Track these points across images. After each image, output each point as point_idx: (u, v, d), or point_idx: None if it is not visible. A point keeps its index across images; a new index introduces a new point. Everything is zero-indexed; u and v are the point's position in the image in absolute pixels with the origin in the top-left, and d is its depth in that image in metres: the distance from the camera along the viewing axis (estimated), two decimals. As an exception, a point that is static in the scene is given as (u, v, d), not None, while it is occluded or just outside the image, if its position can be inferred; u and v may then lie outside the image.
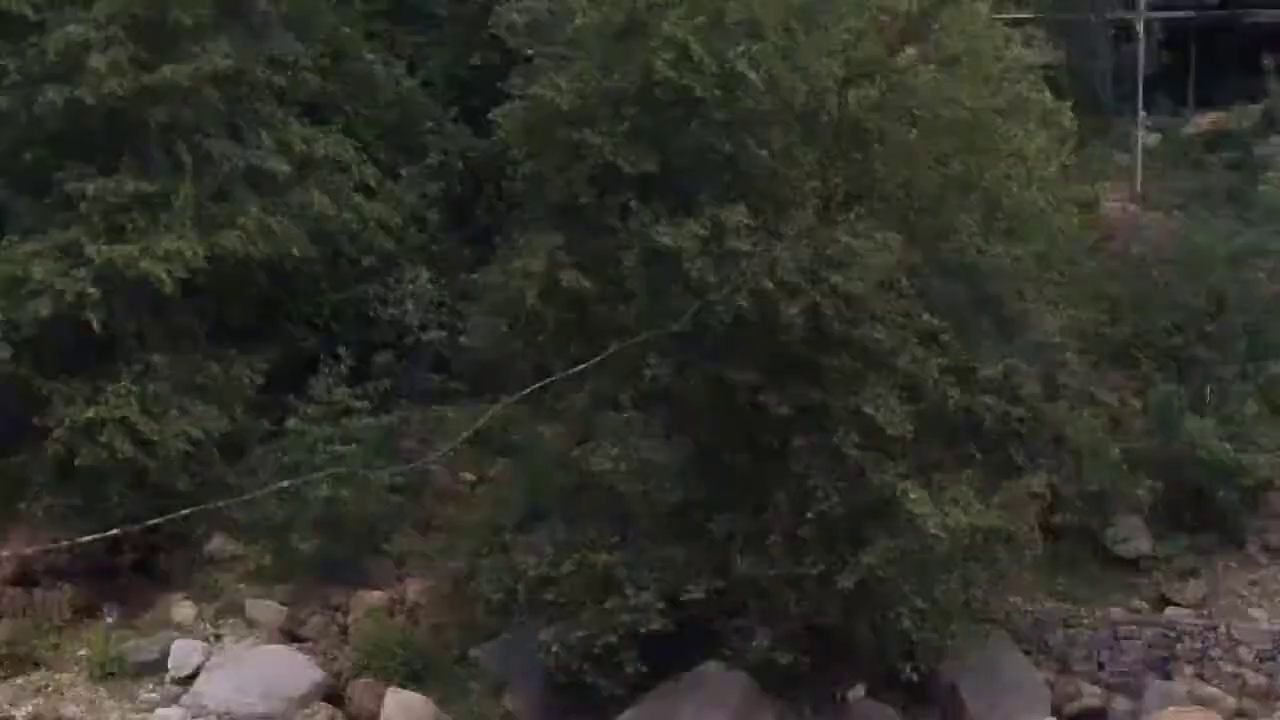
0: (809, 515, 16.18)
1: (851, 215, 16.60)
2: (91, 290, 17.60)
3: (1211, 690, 17.97)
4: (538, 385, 16.61)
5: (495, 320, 18.68)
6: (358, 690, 17.86)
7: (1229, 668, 18.45)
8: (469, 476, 20.31)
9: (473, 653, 18.10)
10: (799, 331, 16.16)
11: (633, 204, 16.61)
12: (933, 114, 16.98)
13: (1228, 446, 19.34)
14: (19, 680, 18.42)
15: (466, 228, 22.39)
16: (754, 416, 16.66)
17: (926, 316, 16.65)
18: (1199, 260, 21.39)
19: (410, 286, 20.61)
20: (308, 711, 17.68)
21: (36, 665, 18.61)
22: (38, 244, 18.15)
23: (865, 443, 16.14)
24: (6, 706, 17.86)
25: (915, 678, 16.88)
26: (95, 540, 15.94)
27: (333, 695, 18.01)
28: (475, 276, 20.08)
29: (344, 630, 18.85)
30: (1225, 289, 21.22)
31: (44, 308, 17.65)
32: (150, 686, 18.22)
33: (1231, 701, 17.73)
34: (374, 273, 20.77)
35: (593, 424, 17.22)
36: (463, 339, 19.84)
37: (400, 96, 22.49)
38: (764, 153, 17.01)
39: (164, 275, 17.67)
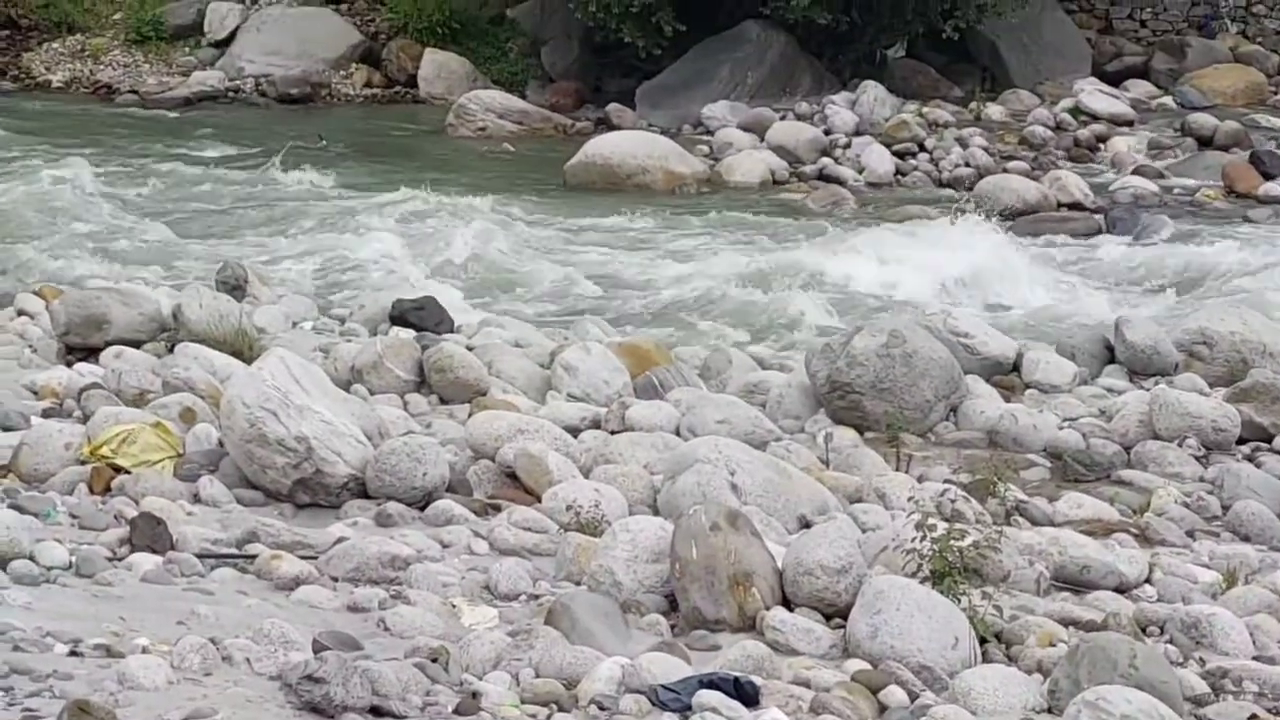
0: None
1: None
2: None
3: (1254, 49, 17.13)
4: None
5: None
6: (395, 51, 17.36)
7: (1274, 25, 17.51)
8: None
9: (510, 14, 17.40)
10: None
11: None
12: None
13: None
14: (55, 44, 17.85)
15: None
16: None
17: None
18: None
19: None
20: (345, 72, 17.24)
21: (72, 30, 17.97)
22: None
23: None
24: (43, 70, 17.43)
25: (955, 36, 16.12)
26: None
27: (370, 56, 17.52)
28: None
29: (381, -10, 18.05)
30: None
31: None
32: (187, 50, 17.65)
33: (1275, 59, 16.97)
34: None
35: None
36: None
37: None
38: None
39: None
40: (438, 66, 16.85)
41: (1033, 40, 16.89)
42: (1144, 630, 4.75)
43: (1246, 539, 5.93)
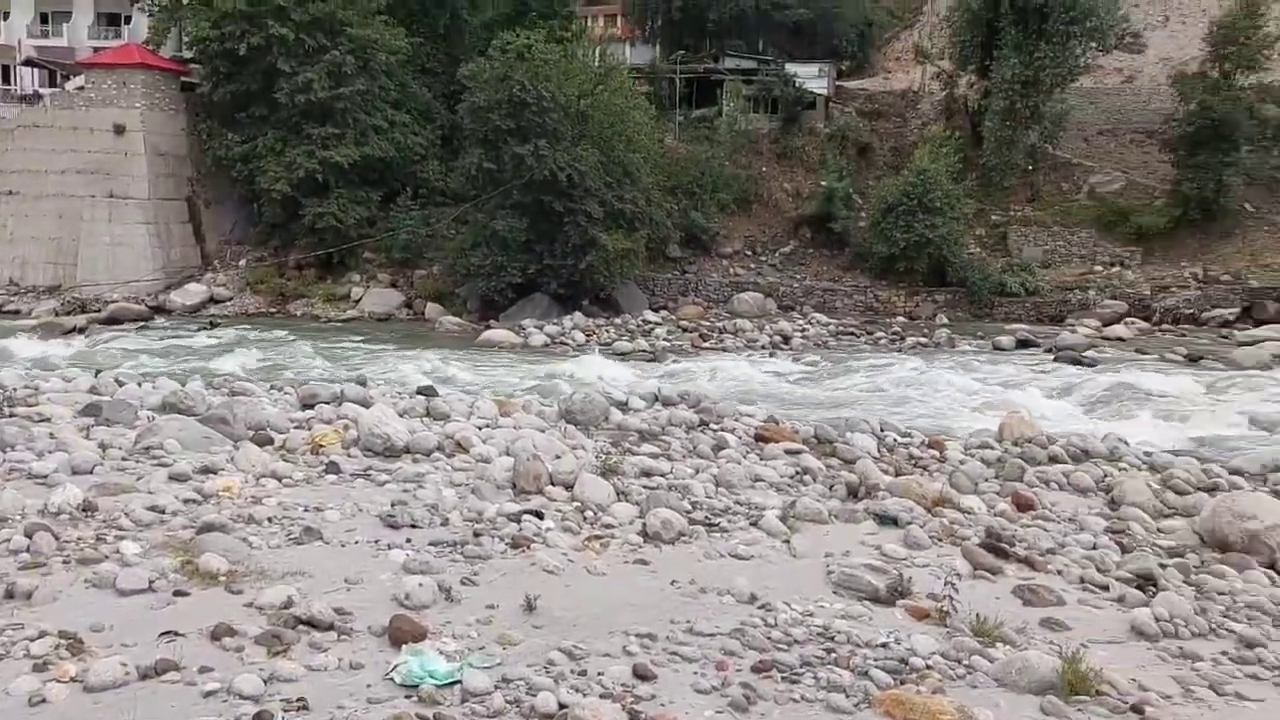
0: (569, 245, 39.80)
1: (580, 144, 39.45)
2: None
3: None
4: (473, 202, 40.07)
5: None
6: (420, 304, 42.08)
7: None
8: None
9: (457, 290, 41.27)
10: (564, 184, 39.25)
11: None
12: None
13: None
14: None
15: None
16: (551, 211, 39.94)
17: (603, 173, 39.74)
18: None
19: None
20: (411, 312, 42.29)
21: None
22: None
23: (586, 221, 39.65)
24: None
25: (604, 296, 41.12)
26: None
27: (410, 305, 42.48)
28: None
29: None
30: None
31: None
32: (346, 301, 42.45)
33: None
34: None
35: (495, 217, 40.42)
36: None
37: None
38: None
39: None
40: (436, 309, 41.28)
41: (629, 297, 42.56)
42: None
43: None
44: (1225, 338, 35.36)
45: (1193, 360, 30.84)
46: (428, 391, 18.89)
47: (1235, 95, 41.72)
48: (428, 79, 44.40)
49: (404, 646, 8.27)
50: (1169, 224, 42.19)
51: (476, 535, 11.35)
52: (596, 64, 41.97)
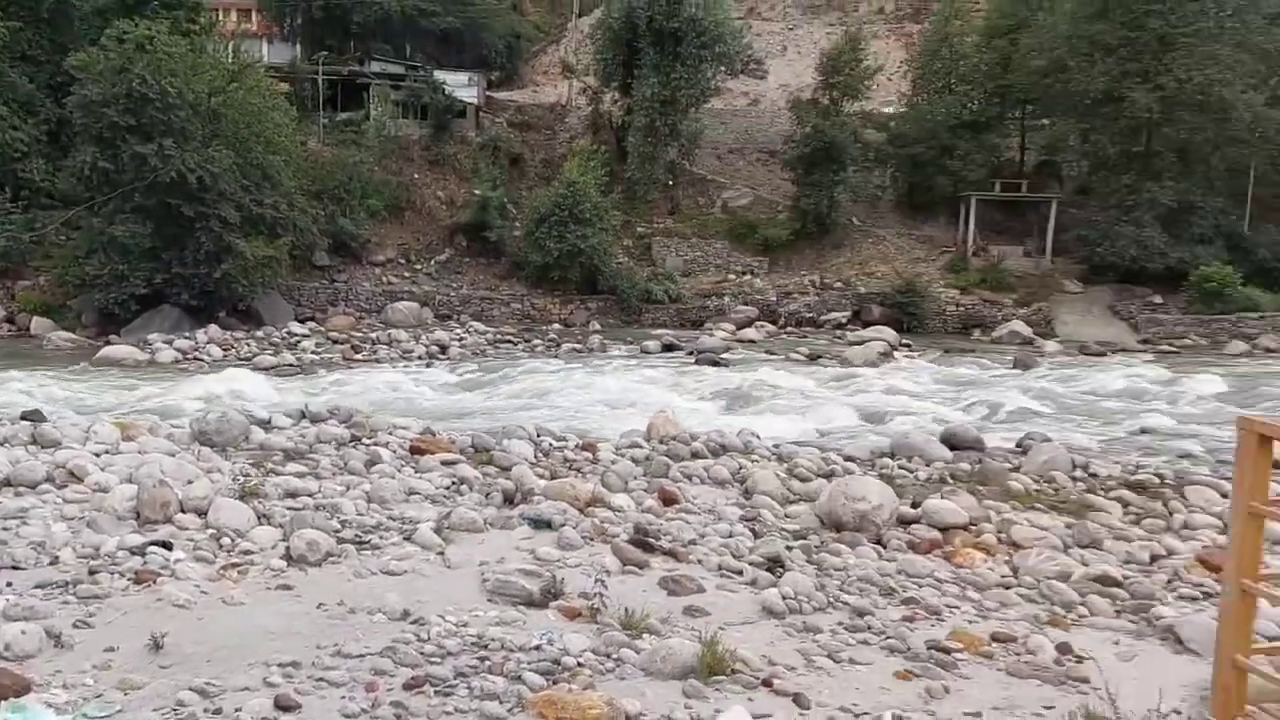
0: (202, 252, 37.15)
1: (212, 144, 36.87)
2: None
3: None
4: (87, 205, 36.32)
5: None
6: (25, 318, 37.59)
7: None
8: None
9: (70, 303, 37.34)
10: (195, 186, 36.48)
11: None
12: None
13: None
14: None
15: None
16: (180, 216, 36.96)
17: (240, 175, 37.44)
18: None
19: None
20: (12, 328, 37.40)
21: None
22: None
23: (221, 226, 37.11)
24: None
25: (244, 307, 38.82)
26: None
27: (13, 320, 37.71)
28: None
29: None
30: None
31: None
32: (-70, 317, 36.84)
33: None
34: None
35: (114, 222, 36.84)
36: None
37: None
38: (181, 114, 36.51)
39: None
40: (44, 324, 37.08)
41: (273, 308, 40.34)
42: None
43: None
44: (839, 338, 39.36)
45: (813, 359, 34.04)
46: (34, 416, 17.09)
47: (842, 121, 46.56)
48: (29, 68, 39.69)
49: (3, 703, 7.31)
50: (791, 236, 46.32)
51: (93, 573, 10.28)
52: (230, 60, 39.46)
